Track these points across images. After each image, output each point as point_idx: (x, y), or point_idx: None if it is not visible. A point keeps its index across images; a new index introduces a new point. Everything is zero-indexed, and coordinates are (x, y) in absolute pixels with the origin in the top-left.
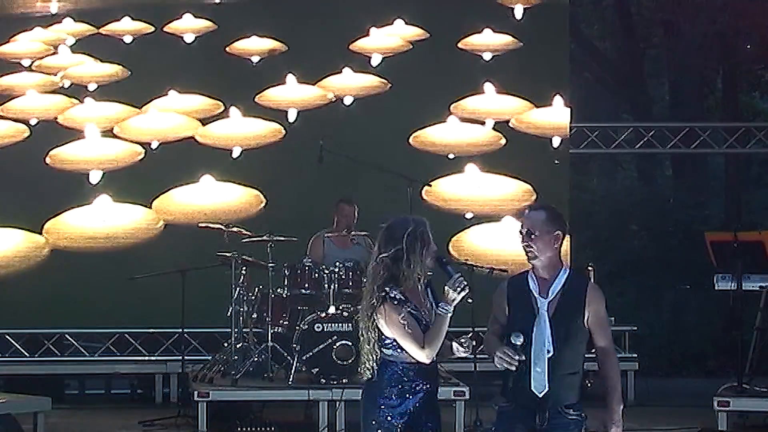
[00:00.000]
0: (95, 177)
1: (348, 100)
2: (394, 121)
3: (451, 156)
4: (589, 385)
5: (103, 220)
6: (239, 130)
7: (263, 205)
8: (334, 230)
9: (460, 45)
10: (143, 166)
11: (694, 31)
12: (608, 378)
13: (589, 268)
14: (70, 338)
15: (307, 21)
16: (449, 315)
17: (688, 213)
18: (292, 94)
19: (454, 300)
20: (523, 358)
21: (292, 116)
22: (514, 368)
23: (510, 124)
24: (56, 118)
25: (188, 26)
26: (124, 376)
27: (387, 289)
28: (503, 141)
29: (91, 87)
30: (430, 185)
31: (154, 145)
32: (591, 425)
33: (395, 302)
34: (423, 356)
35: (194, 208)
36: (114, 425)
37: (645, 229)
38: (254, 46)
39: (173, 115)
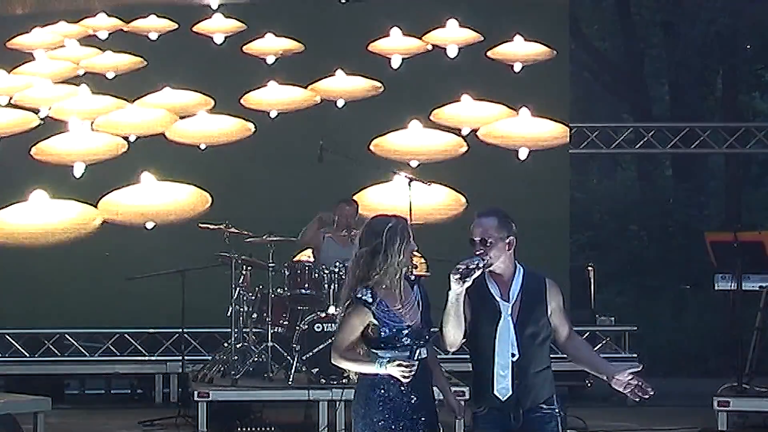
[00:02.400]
0: (78, 169)
1: (340, 102)
2: (382, 124)
3: (414, 163)
4: (589, 385)
5: (40, 217)
6: (207, 128)
7: (209, 204)
8: (334, 230)
9: (489, 54)
10: (124, 160)
11: (694, 31)
12: (587, 353)
13: (589, 268)
14: (70, 338)
15: (329, 21)
16: (376, 369)
17: (688, 213)
18: (276, 95)
19: (387, 370)
20: (483, 262)
21: (275, 117)
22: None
23: (477, 135)
24: (49, 109)
25: (217, 26)
26: (124, 376)
27: (357, 288)
28: (464, 148)
29: (110, 76)
30: (429, 184)
31: (132, 138)
32: (591, 426)
33: (361, 303)
34: (332, 356)
35: (137, 208)
36: (114, 425)
37: (645, 229)
38: (269, 45)
39: (152, 110)
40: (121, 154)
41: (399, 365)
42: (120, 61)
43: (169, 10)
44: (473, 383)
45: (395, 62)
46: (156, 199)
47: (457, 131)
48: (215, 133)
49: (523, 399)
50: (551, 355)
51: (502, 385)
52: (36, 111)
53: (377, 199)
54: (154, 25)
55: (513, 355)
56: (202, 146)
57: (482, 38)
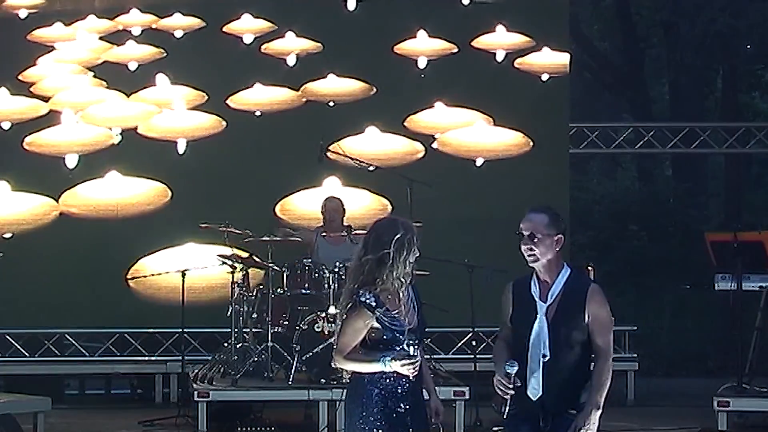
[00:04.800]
0: (71, 161)
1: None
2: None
3: (371, 168)
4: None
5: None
6: (180, 123)
7: (169, 198)
8: (329, 228)
9: (516, 65)
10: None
11: (694, 31)
12: (593, 377)
13: (589, 268)
14: (70, 338)
15: (354, 22)
16: (380, 367)
17: (688, 213)
18: (261, 96)
19: (392, 368)
20: (518, 384)
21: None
22: (508, 397)
23: (434, 146)
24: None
25: (247, 26)
26: (124, 376)
27: (360, 291)
28: (421, 153)
29: (132, 66)
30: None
31: (116, 132)
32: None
33: (365, 307)
34: (336, 360)
35: (99, 202)
36: (114, 425)
37: (645, 229)
38: (288, 45)
39: (134, 104)
40: (111, 146)
41: (404, 363)
42: (138, 53)
43: (197, 8)
44: None
45: (421, 63)
46: (115, 193)
47: (430, 137)
48: (188, 128)
49: (551, 401)
50: None
51: (533, 386)
52: (46, 99)
53: (306, 206)
54: (181, 24)
55: (544, 356)
56: (181, 146)
57: (534, 43)
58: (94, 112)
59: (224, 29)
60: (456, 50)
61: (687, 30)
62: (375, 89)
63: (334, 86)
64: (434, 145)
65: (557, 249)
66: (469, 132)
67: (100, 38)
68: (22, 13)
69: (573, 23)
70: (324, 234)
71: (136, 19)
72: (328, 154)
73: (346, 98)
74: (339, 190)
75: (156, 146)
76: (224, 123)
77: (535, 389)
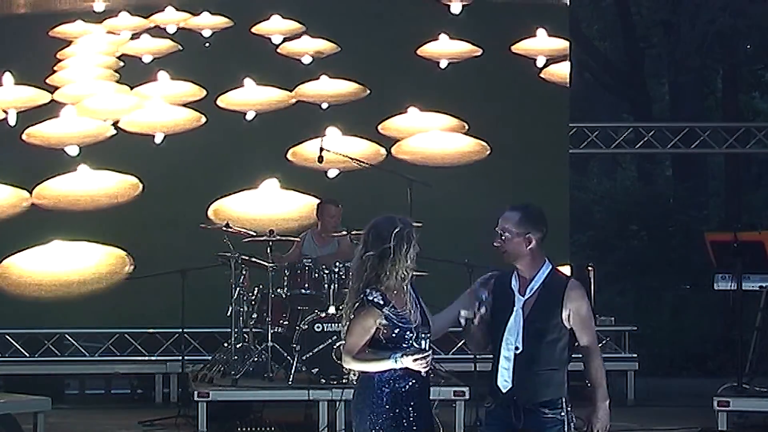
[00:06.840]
0: (72, 152)
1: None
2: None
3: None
4: (589, 385)
5: None
6: (160, 118)
7: (140, 191)
8: (318, 231)
9: (541, 75)
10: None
11: (694, 31)
12: (591, 376)
13: (589, 268)
14: (70, 338)
15: (373, 23)
16: (391, 365)
17: (688, 213)
18: (252, 96)
19: (404, 363)
20: (483, 311)
21: (250, 116)
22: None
23: (392, 152)
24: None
25: (276, 27)
26: (124, 376)
27: (367, 290)
28: (383, 156)
29: (146, 59)
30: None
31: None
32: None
33: (373, 305)
34: (344, 360)
35: (72, 195)
36: (114, 425)
37: (645, 229)
38: (304, 46)
39: (126, 97)
40: (109, 137)
41: (416, 358)
42: (153, 47)
43: (226, 7)
44: (490, 376)
45: (443, 65)
46: (87, 186)
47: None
48: (172, 123)
49: (521, 395)
50: None
51: (504, 378)
52: (51, 91)
53: (240, 208)
54: (208, 23)
55: (516, 348)
56: (158, 139)
57: (568, 47)
58: (89, 104)
59: (253, 30)
60: (479, 53)
61: (687, 30)
62: (369, 91)
63: (325, 88)
64: (393, 151)
65: (529, 247)
66: (423, 139)
67: (133, 36)
68: (98, 6)
69: (573, 23)
70: (325, 235)
71: (168, 17)
72: (324, 155)
73: (340, 99)
74: (277, 192)
75: (130, 140)
76: (203, 119)
77: (506, 381)
